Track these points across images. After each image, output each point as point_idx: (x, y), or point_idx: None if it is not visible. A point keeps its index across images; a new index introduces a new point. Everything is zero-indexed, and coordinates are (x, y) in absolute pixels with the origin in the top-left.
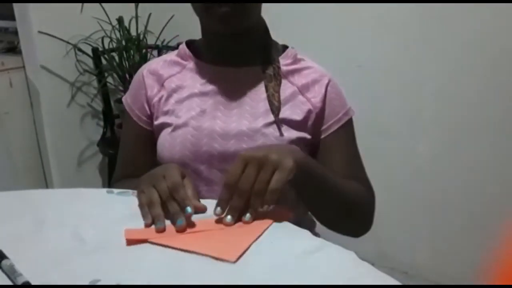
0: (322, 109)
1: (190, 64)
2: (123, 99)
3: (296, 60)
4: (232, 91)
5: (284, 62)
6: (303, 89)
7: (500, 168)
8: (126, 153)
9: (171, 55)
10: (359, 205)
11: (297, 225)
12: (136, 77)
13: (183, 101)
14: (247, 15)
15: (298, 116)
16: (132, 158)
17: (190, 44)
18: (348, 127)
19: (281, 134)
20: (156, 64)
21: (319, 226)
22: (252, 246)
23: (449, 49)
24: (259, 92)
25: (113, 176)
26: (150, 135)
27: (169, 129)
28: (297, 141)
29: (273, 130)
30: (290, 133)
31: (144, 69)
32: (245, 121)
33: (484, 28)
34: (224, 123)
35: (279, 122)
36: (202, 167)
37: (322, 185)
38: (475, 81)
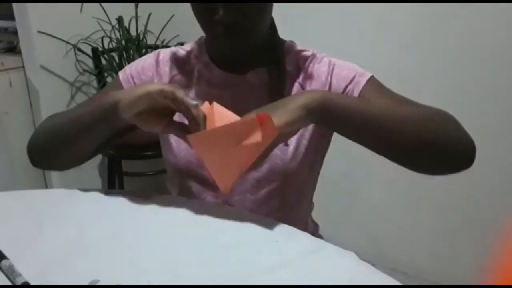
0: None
1: (201, 64)
2: (122, 73)
3: (296, 53)
4: (239, 97)
5: (287, 59)
6: (305, 84)
7: (500, 168)
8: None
9: (190, 49)
10: (436, 123)
11: (305, 229)
12: (149, 58)
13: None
14: (253, 25)
15: None
16: None
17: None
18: (374, 83)
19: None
20: (172, 54)
21: (322, 228)
22: (253, 246)
23: (449, 49)
24: (265, 96)
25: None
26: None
27: None
28: (306, 143)
29: None
30: (297, 136)
31: (161, 55)
32: None
33: (484, 28)
34: None
35: None
36: (208, 173)
37: (371, 117)
38: (475, 81)
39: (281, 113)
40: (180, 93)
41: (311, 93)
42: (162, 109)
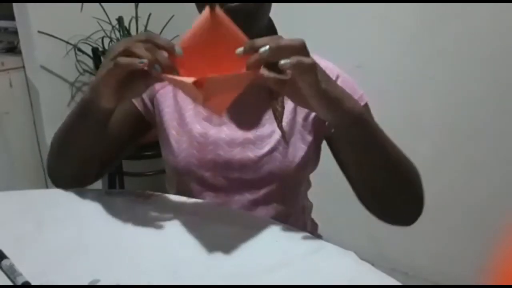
0: None
1: None
2: None
3: None
4: (237, 97)
5: None
6: None
7: (500, 168)
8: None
9: None
10: (415, 176)
11: (303, 228)
12: None
13: (188, 105)
14: (254, 14)
15: (300, 118)
16: (112, 132)
17: None
18: (367, 109)
19: (286, 141)
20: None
21: (322, 228)
22: (253, 246)
23: (449, 49)
24: (265, 96)
25: None
26: (143, 125)
27: (173, 132)
28: (305, 145)
29: (279, 137)
30: (295, 137)
31: None
32: (253, 128)
33: (484, 28)
34: (231, 130)
35: (282, 129)
36: (207, 174)
37: (381, 141)
38: (475, 81)
39: (327, 82)
40: (120, 45)
41: (357, 102)
42: (130, 71)
